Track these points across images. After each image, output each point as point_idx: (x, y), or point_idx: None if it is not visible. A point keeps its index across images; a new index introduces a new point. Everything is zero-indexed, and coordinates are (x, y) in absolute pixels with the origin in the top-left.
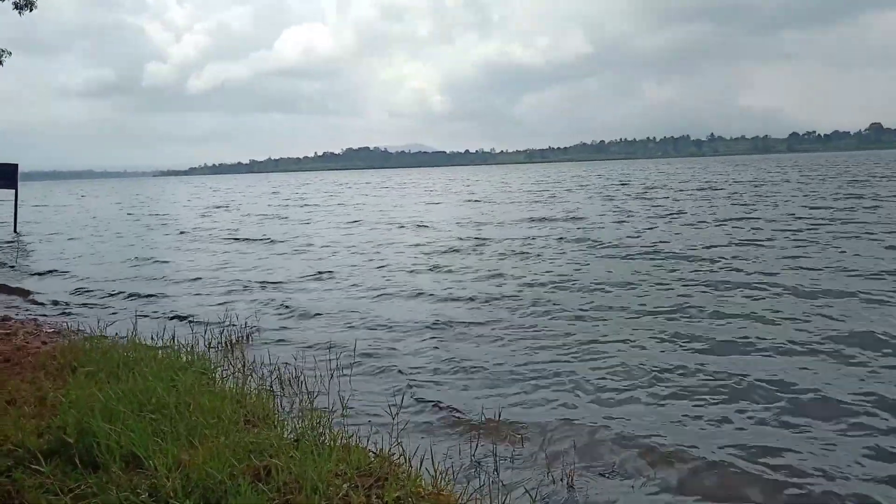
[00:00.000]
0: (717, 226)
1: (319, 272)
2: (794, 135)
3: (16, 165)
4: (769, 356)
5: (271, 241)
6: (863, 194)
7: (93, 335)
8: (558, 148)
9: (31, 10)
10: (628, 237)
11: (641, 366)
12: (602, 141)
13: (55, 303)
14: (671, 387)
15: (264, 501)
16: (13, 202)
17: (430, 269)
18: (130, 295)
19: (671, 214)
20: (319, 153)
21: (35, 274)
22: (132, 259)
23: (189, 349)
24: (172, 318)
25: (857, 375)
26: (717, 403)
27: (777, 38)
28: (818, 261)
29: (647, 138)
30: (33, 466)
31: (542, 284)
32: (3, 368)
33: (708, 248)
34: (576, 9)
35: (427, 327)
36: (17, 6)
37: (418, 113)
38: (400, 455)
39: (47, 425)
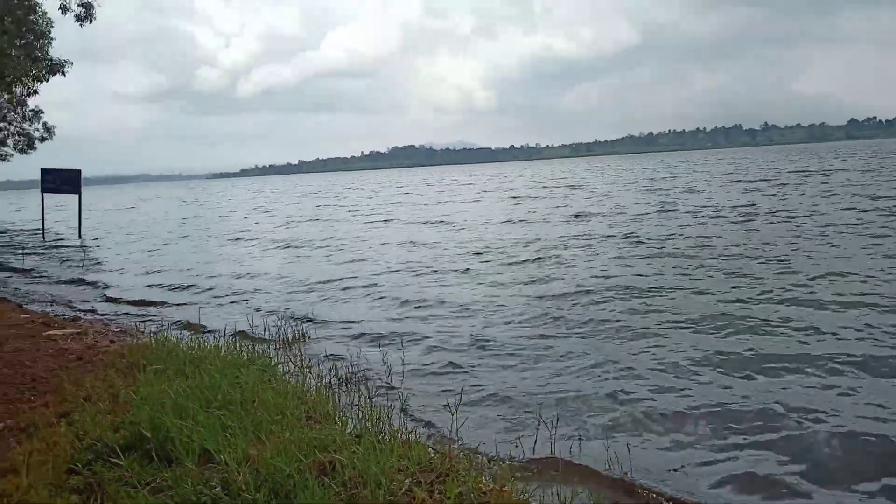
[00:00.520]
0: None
1: (372, 275)
2: (852, 121)
3: (79, 171)
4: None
5: (317, 244)
6: None
7: (158, 334)
8: (605, 141)
9: (90, 22)
10: (675, 235)
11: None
12: (650, 133)
13: (119, 303)
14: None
15: (331, 496)
16: (77, 207)
17: (478, 268)
18: (191, 294)
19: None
20: (366, 152)
21: (100, 276)
22: (191, 261)
23: (250, 347)
24: (231, 317)
25: None
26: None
27: (833, 20)
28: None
29: (698, 129)
30: (112, 460)
31: (592, 287)
32: (77, 366)
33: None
34: None
35: (485, 327)
36: (78, 18)
37: (462, 109)
38: (460, 451)
39: (122, 421)
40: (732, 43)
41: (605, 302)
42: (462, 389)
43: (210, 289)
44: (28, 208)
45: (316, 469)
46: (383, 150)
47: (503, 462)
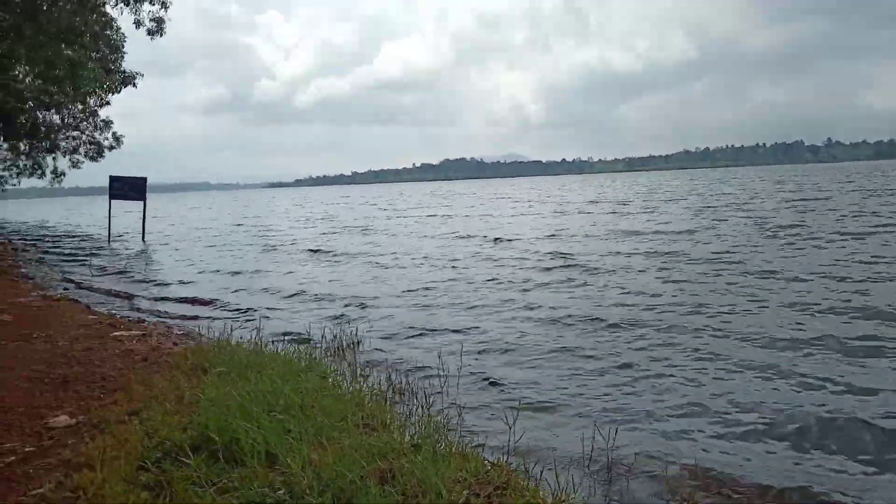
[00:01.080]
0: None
1: (424, 287)
2: None
3: (145, 179)
4: None
5: (367, 254)
6: None
7: (220, 338)
8: (659, 156)
9: (161, 36)
10: (718, 253)
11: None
12: (707, 148)
13: (180, 306)
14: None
15: (391, 503)
16: (142, 213)
17: (525, 284)
18: (249, 300)
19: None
20: (417, 164)
21: (162, 280)
22: (245, 269)
23: (307, 353)
24: (287, 324)
25: None
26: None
27: None
28: None
29: (756, 144)
30: (180, 459)
31: (661, 302)
32: (143, 367)
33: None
34: (677, 10)
35: (536, 343)
36: (149, 32)
37: (514, 121)
38: (518, 464)
39: (189, 421)
40: (795, 56)
41: (669, 315)
42: (519, 402)
43: (266, 294)
44: (91, 214)
45: (376, 476)
46: (435, 162)
47: (563, 477)
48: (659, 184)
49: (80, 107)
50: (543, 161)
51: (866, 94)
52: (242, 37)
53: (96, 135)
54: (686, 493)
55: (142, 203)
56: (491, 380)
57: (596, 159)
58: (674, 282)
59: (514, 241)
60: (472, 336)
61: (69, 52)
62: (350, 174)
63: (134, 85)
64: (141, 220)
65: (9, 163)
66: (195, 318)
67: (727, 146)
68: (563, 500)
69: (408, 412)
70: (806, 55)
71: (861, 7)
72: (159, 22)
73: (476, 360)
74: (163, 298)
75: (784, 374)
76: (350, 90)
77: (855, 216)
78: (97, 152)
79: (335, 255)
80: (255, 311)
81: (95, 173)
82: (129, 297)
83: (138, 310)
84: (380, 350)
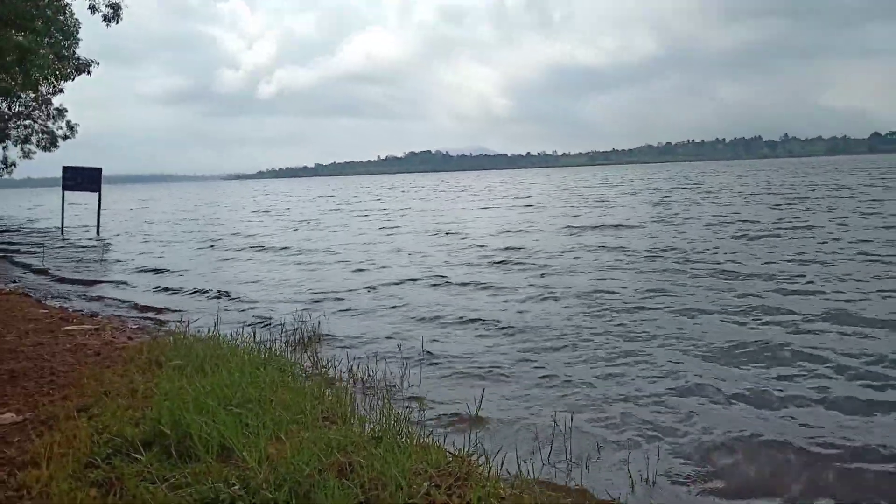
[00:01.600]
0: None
1: (385, 281)
2: (875, 135)
3: (99, 170)
4: None
5: (326, 249)
6: None
7: (176, 331)
8: (623, 150)
9: (117, 23)
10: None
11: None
12: (669, 143)
13: (136, 301)
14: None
15: (350, 497)
16: (96, 205)
17: (491, 278)
18: (206, 294)
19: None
20: (383, 156)
21: (117, 274)
22: (203, 262)
23: (266, 347)
24: (246, 318)
25: None
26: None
27: (860, 33)
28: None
29: (717, 140)
30: (132, 455)
31: (607, 290)
32: (96, 361)
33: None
34: (642, 8)
35: (492, 329)
36: (105, 19)
37: (480, 116)
38: (479, 455)
39: (142, 416)
40: (755, 55)
41: (640, 312)
42: (482, 395)
43: (225, 291)
44: (44, 206)
45: (335, 470)
46: (400, 154)
47: (523, 467)
48: (619, 178)
49: (31, 95)
50: (509, 154)
51: (821, 93)
52: (204, 26)
53: (49, 124)
54: (647, 475)
55: (96, 195)
56: (453, 371)
57: (560, 153)
58: (629, 271)
59: (466, 233)
60: (434, 329)
61: (19, 38)
62: (314, 166)
63: (88, 73)
64: (96, 213)
65: None
66: (151, 311)
67: (688, 141)
68: (523, 490)
69: (368, 405)
70: (765, 54)
71: (818, 9)
72: (115, 8)
73: (439, 351)
74: (117, 292)
75: (726, 358)
76: (314, 81)
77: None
78: (50, 142)
79: (294, 251)
80: (214, 304)
81: (49, 164)
82: (83, 290)
83: (92, 303)
84: (341, 344)
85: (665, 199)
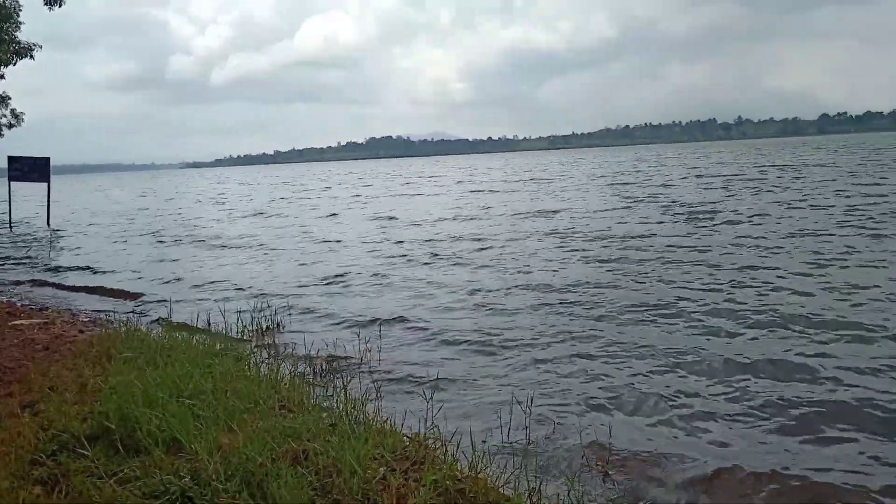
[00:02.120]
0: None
1: (342, 270)
2: (824, 116)
3: (48, 159)
4: None
5: (283, 237)
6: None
7: (129, 323)
8: (582, 134)
9: (60, 6)
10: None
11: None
12: (627, 126)
13: (88, 293)
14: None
15: (304, 484)
16: (46, 196)
17: (442, 261)
18: (162, 284)
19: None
20: (343, 143)
21: (68, 266)
22: (157, 253)
23: (223, 337)
24: (203, 309)
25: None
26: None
27: (809, 17)
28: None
29: (673, 122)
30: (78, 450)
31: (564, 279)
32: (44, 356)
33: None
34: None
35: (453, 319)
36: (47, 2)
37: (441, 101)
38: (436, 439)
39: (89, 411)
40: (710, 39)
41: (578, 291)
42: (437, 376)
43: (180, 279)
44: None
45: (289, 458)
46: (361, 140)
47: (479, 449)
48: (574, 161)
49: None
50: (470, 139)
51: (774, 76)
52: (153, 10)
53: None
54: (599, 462)
55: (45, 186)
56: (410, 357)
57: (521, 137)
58: (583, 260)
59: (423, 222)
60: (392, 315)
61: None
62: (273, 153)
63: (31, 57)
64: (45, 204)
65: None
66: (102, 304)
67: (646, 124)
68: (479, 473)
69: (326, 391)
70: (720, 38)
71: None
72: None
73: (396, 337)
74: (68, 285)
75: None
76: (271, 67)
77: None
78: None
79: (249, 243)
80: (167, 296)
81: None
82: (33, 284)
83: (42, 297)
84: (300, 333)
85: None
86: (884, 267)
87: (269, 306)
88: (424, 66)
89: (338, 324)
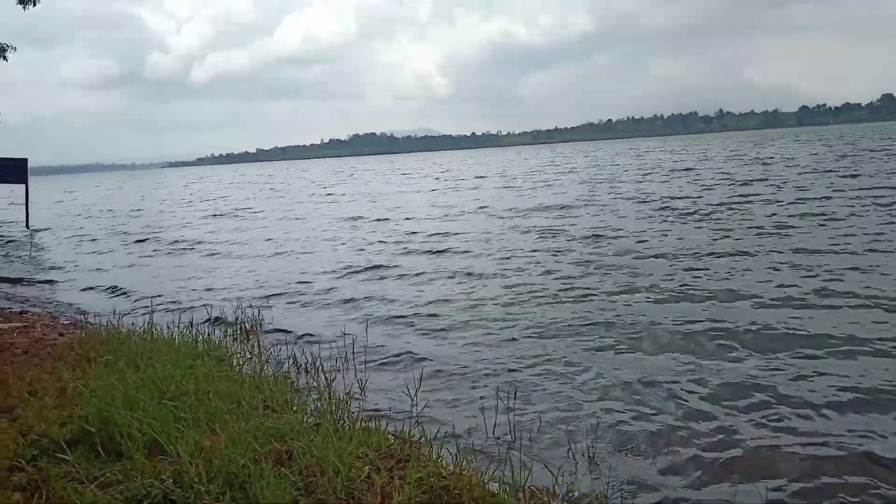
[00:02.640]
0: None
1: (327, 270)
2: (804, 108)
3: (25, 160)
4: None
5: (262, 238)
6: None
7: (109, 326)
8: (564, 128)
9: (34, 6)
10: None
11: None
12: (609, 120)
13: (68, 295)
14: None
15: (287, 485)
16: (24, 198)
17: (419, 253)
18: (144, 286)
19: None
20: (326, 140)
21: (48, 269)
22: (139, 257)
23: (206, 337)
24: (185, 310)
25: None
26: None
27: (788, 10)
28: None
29: (655, 116)
30: (58, 455)
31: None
32: (23, 360)
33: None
34: None
35: (438, 315)
36: (21, 1)
37: (423, 96)
38: (420, 436)
39: (69, 415)
40: (690, 33)
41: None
42: (421, 375)
43: (161, 284)
44: None
45: (273, 458)
46: (344, 137)
47: (463, 445)
48: (551, 158)
49: None
50: (454, 135)
51: (754, 69)
52: (129, 6)
53: None
54: (589, 455)
55: (23, 187)
56: (394, 353)
57: (505, 133)
58: (560, 253)
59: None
60: (375, 313)
61: None
62: (255, 151)
63: (4, 58)
64: (24, 206)
65: None
66: (82, 307)
67: (628, 118)
68: (464, 469)
69: (310, 390)
70: (700, 32)
71: None
72: None
73: (380, 335)
74: (48, 288)
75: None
76: (251, 64)
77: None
78: None
79: (230, 245)
80: (148, 299)
81: None
82: (10, 287)
83: (20, 301)
84: (283, 333)
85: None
86: None
87: (251, 306)
88: (406, 61)
89: (322, 323)
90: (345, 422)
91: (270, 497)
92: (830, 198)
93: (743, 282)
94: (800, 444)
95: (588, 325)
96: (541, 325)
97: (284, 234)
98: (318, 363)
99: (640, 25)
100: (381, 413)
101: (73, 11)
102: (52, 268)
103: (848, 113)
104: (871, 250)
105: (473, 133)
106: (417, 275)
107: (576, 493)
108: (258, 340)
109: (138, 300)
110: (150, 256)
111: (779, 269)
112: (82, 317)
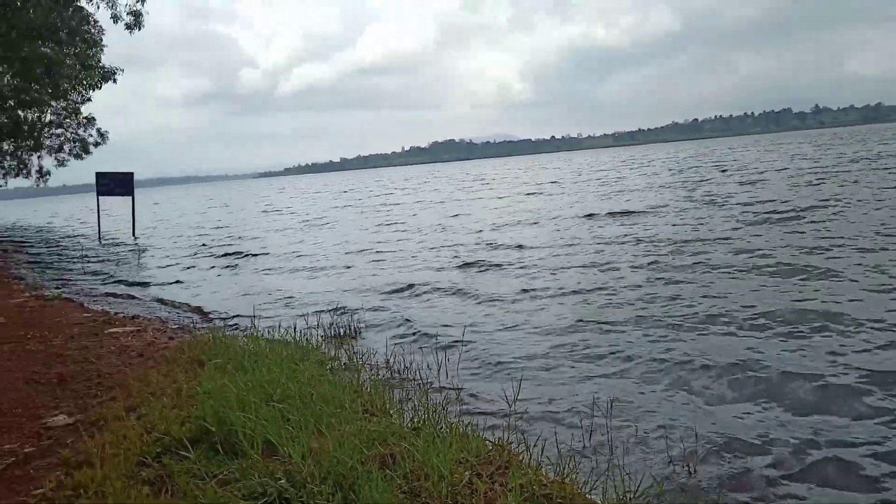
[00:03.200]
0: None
1: (410, 283)
2: None
3: (132, 174)
4: None
5: (358, 246)
6: None
7: (215, 330)
8: (648, 129)
9: (139, 30)
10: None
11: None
12: (695, 119)
13: (174, 301)
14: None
15: (393, 487)
16: (130, 208)
17: (521, 267)
18: (242, 292)
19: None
20: (406, 148)
21: (154, 275)
22: (234, 265)
23: (304, 343)
24: (283, 316)
25: None
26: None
27: None
28: None
29: (745, 114)
30: (180, 453)
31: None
32: (139, 362)
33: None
34: None
35: (531, 323)
36: (128, 27)
37: (501, 102)
38: (519, 443)
39: (187, 414)
40: (779, 26)
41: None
42: (520, 382)
43: (260, 292)
44: (73, 213)
45: (377, 461)
46: (424, 144)
47: (564, 452)
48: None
49: (62, 104)
50: (533, 139)
51: (852, 61)
52: (221, 27)
53: (80, 132)
54: (690, 464)
55: (130, 199)
56: (488, 359)
57: (585, 135)
58: (650, 265)
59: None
60: (469, 323)
61: (46, 50)
62: (339, 160)
63: (114, 80)
64: (131, 216)
65: None
66: (188, 312)
67: (715, 117)
68: (566, 477)
69: (406, 396)
70: (790, 24)
71: None
72: (137, 15)
73: (474, 343)
74: (155, 293)
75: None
76: (333, 76)
77: None
78: (82, 149)
79: (327, 252)
80: (250, 304)
81: (82, 171)
82: (123, 293)
83: (133, 305)
84: (376, 338)
85: None
86: None
87: (344, 312)
88: (484, 68)
89: (413, 333)
90: (442, 427)
91: (379, 499)
92: None
93: None
94: None
95: (699, 336)
96: (648, 331)
97: (395, 246)
98: (412, 368)
99: (724, 20)
100: (478, 420)
101: (169, 33)
102: (158, 274)
103: None
104: None
105: (553, 137)
106: (514, 285)
107: None
108: (352, 345)
109: (238, 308)
110: (247, 262)
111: None
112: (189, 320)
